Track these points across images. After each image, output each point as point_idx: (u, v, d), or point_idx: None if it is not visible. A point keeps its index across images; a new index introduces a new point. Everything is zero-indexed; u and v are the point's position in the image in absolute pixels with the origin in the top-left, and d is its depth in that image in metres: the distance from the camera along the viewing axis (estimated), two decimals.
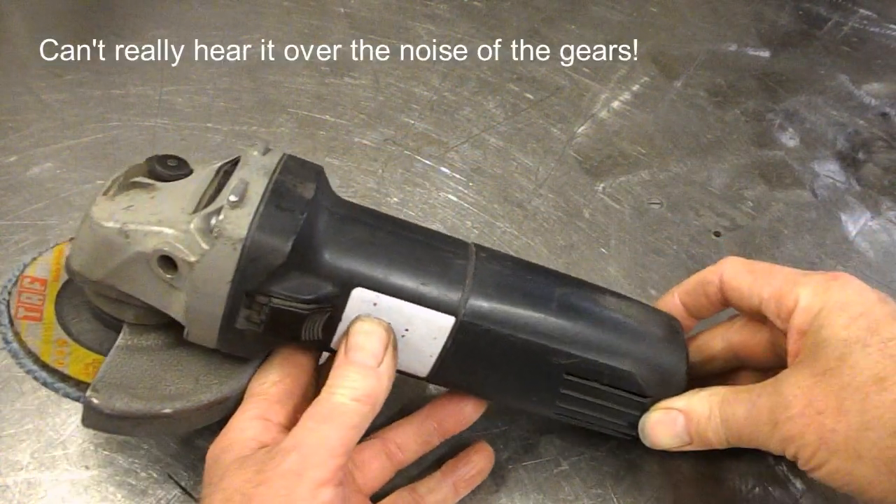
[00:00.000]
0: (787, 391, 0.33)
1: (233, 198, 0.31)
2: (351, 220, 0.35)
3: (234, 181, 0.32)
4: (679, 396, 0.37)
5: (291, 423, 0.34)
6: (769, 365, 0.40)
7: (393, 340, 0.33)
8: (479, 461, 0.40)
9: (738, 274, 0.38)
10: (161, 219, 0.31)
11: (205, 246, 0.30)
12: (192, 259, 0.30)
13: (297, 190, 0.33)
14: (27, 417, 0.41)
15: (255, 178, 0.32)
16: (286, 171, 0.34)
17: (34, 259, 0.38)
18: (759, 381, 0.40)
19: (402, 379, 0.37)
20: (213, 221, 0.30)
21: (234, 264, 0.30)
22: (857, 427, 0.31)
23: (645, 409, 0.38)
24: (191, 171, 0.34)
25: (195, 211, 0.31)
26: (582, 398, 0.37)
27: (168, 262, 0.31)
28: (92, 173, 0.55)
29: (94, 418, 0.32)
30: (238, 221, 0.30)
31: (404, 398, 0.44)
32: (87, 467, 0.40)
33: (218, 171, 0.34)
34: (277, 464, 0.30)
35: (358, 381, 0.32)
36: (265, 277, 0.31)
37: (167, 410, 0.33)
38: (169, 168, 0.34)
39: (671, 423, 0.37)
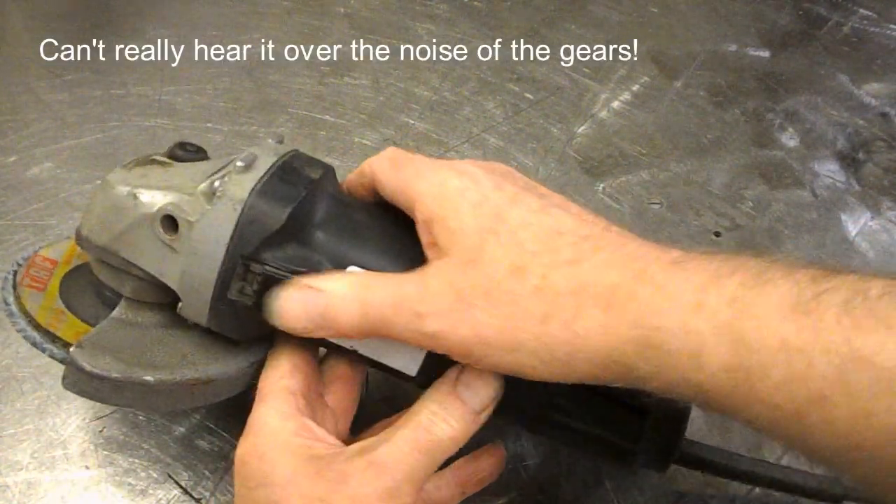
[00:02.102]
0: (433, 283, 0.31)
1: (240, 163, 0.32)
2: (353, 206, 0.36)
3: (245, 153, 0.34)
4: (317, 275, 0.33)
5: (313, 413, 0.34)
6: None
7: (500, 396, 0.33)
8: (490, 463, 0.40)
9: (382, 166, 0.36)
10: (170, 185, 0.33)
11: (207, 206, 0.32)
12: (193, 219, 0.32)
13: (304, 171, 0.34)
14: (27, 417, 0.41)
15: (265, 154, 0.34)
16: (296, 158, 0.35)
17: (51, 244, 0.40)
18: None
19: None
20: (217, 183, 0.32)
21: (233, 225, 0.32)
22: (508, 317, 0.29)
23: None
24: (207, 158, 0.36)
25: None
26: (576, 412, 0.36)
27: (170, 222, 0.32)
28: (92, 173, 0.55)
29: (74, 377, 0.33)
30: (241, 184, 0.32)
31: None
32: (87, 467, 0.40)
33: (232, 159, 0.35)
34: (368, 480, 0.30)
35: (460, 422, 0.32)
36: (261, 242, 0.32)
37: (148, 378, 0.33)
38: (187, 151, 0.36)
39: (305, 301, 0.32)
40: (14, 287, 0.37)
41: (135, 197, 0.33)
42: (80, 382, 0.33)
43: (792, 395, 0.25)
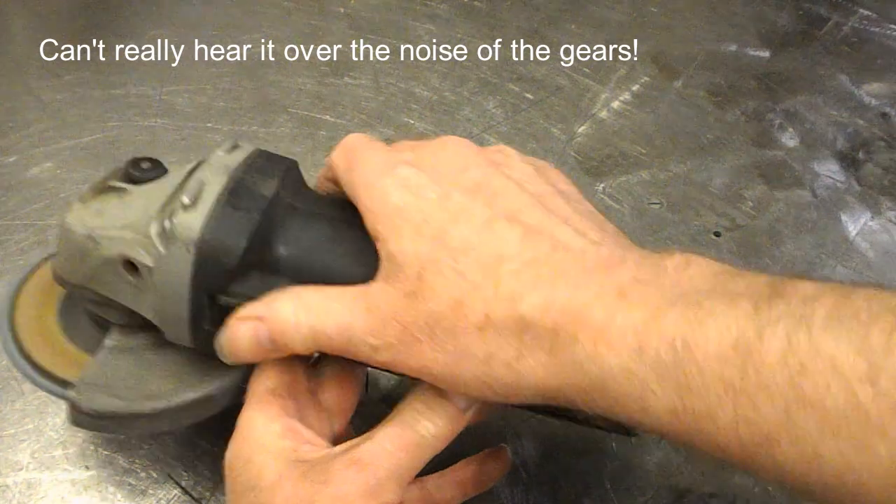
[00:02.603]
0: (380, 314, 0.30)
1: (185, 200, 0.31)
2: (316, 216, 0.34)
3: (190, 182, 0.32)
4: (258, 302, 0.32)
5: (305, 417, 0.34)
6: None
7: None
8: (493, 466, 0.39)
9: (339, 162, 0.34)
10: (126, 223, 0.32)
11: (162, 250, 0.31)
12: (151, 264, 0.31)
13: (256, 188, 0.32)
14: (27, 417, 0.41)
15: (212, 178, 0.32)
16: (251, 168, 0.33)
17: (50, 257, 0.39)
18: None
19: None
20: (167, 225, 0.31)
21: (190, 266, 0.30)
22: (454, 357, 0.29)
23: None
24: (165, 172, 0.34)
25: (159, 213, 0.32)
26: None
27: (132, 266, 0.31)
28: (92, 173, 0.55)
29: (78, 418, 0.33)
30: (190, 224, 0.30)
31: None
32: (87, 467, 0.40)
33: (188, 173, 0.33)
34: (351, 479, 0.30)
35: (444, 419, 0.32)
36: (223, 278, 0.31)
37: (147, 410, 0.33)
38: (142, 171, 0.34)
39: (252, 332, 0.32)
40: (12, 325, 0.36)
41: (94, 241, 0.32)
42: (85, 421, 0.33)
43: (740, 438, 0.24)
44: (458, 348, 0.29)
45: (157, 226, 0.31)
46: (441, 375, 0.30)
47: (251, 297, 0.31)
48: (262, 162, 0.34)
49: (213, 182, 0.32)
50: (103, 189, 0.34)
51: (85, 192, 0.34)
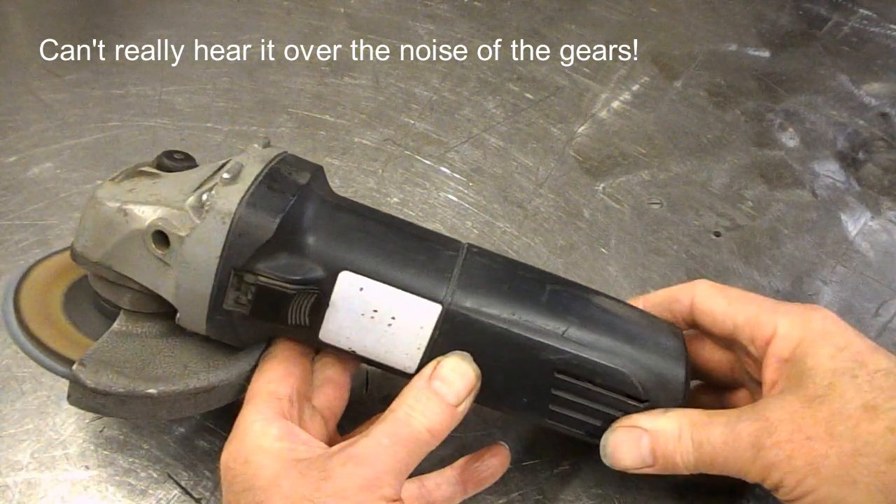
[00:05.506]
0: (772, 416, 0.33)
1: (226, 175, 0.32)
2: (344, 209, 0.36)
3: (230, 163, 0.33)
4: (644, 414, 0.36)
5: (301, 419, 0.34)
6: (725, 384, 0.41)
7: (476, 388, 0.34)
8: (493, 463, 0.40)
9: (711, 297, 0.38)
10: (159, 199, 0.33)
11: (196, 220, 0.31)
12: (183, 233, 0.31)
13: (291, 176, 0.34)
14: (27, 417, 0.41)
15: (251, 162, 0.34)
16: (284, 162, 0.35)
17: (54, 253, 0.40)
18: (716, 400, 0.41)
19: None
20: (205, 197, 0.32)
21: (223, 238, 0.31)
22: (851, 453, 0.31)
23: None
24: (195, 165, 0.36)
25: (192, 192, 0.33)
26: (575, 401, 0.36)
27: (161, 237, 0.32)
28: (92, 173, 0.55)
29: (79, 393, 0.33)
30: (229, 197, 0.32)
31: None
32: (87, 467, 0.40)
33: (221, 166, 0.35)
34: (350, 474, 0.30)
35: (436, 413, 0.32)
36: (252, 254, 0.32)
37: (151, 391, 0.33)
38: (175, 160, 0.35)
39: (635, 442, 0.35)
40: (16, 306, 0.36)
41: (125, 213, 0.32)
42: (85, 399, 0.33)
43: None
44: (858, 446, 0.31)
45: (195, 199, 0.32)
46: (830, 474, 0.31)
47: (276, 277, 0.32)
48: (294, 159, 0.36)
49: (251, 165, 0.33)
50: (135, 173, 0.35)
51: (115, 175, 0.34)
